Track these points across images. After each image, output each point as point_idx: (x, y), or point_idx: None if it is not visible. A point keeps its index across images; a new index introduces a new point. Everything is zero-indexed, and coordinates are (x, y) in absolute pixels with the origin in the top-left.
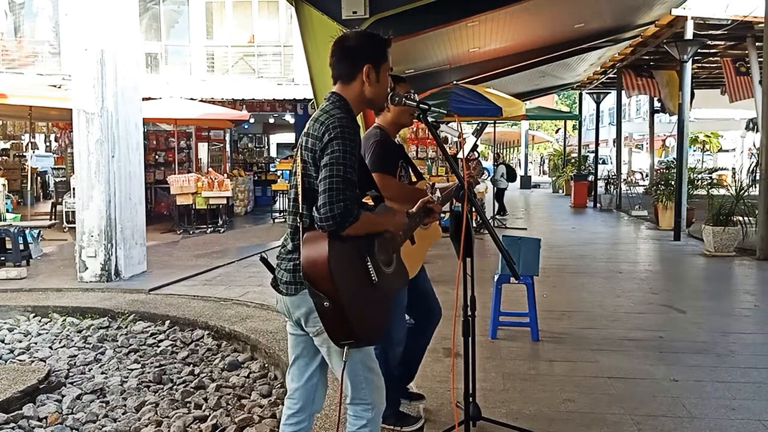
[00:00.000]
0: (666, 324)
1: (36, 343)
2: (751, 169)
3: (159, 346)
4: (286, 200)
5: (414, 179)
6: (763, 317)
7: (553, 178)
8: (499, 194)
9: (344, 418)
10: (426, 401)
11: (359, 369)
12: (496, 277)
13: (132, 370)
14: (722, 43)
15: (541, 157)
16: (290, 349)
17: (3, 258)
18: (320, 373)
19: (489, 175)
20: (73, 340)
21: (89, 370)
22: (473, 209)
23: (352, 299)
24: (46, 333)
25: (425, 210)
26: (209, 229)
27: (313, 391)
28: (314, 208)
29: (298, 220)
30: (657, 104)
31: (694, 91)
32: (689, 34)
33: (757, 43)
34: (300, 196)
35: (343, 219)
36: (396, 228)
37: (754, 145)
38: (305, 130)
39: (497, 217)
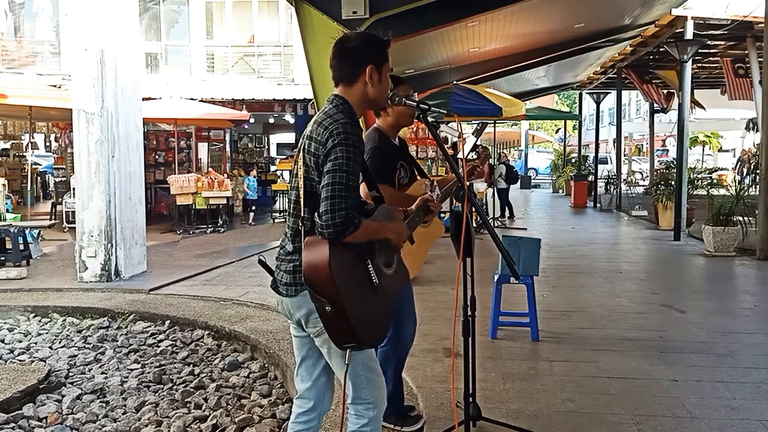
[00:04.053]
0: (666, 324)
1: (36, 343)
2: (749, 168)
3: (159, 346)
4: (287, 200)
5: (418, 177)
6: (763, 317)
7: (553, 178)
8: (500, 195)
9: (345, 418)
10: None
11: (360, 369)
12: (496, 277)
13: (132, 370)
14: (722, 43)
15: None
16: (296, 351)
17: (3, 258)
18: (327, 372)
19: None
20: (73, 340)
21: (89, 370)
22: (473, 209)
23: (354, 302)
24: (46, 333)
25: (425, 208)
26: (209, 229)
27: (324, 390)
28: (316, 213)
29: (300, 223)
30: (657, 104)
31: (694, 91)
32: (689, 34)
33: (757, 43)
34: (302, 200)
35: (344, 227)
36: (397, 237)
37: (754, 145)
38: (308, 132)
39: (499, 218)
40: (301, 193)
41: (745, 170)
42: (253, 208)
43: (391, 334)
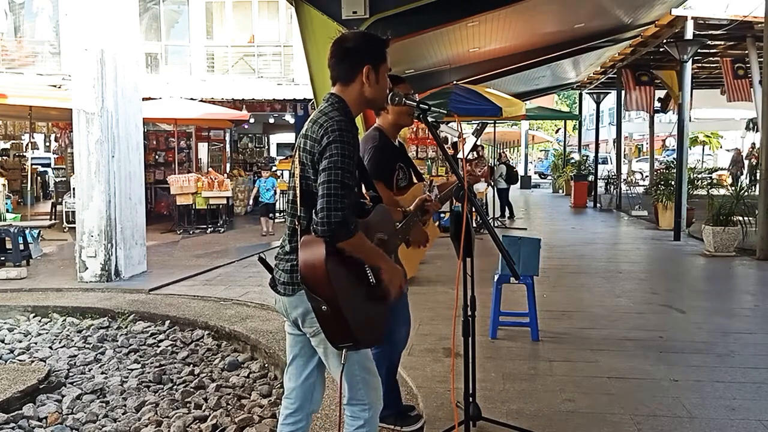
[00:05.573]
0: (666, 324)
1: (36, 343)
2: (740, 168)
3: (159, 346)
4: (286, 200)
5: (415, 181)
6: (763, 317)
7: (554, 178)
8: (500, 195)
9: (342, 419)
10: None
11: (356, 370)
12: (496, 277)
13: (132, 370)
14: (722, 43)
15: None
16: (288, 349)
17: (3, 258)
18: (318, 372)
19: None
20: (73, 340)
21: (89, 370)
22: (473, 209)
23: (351, 303)
24: (46, 333)
25: (422, 210)
26: (209, 229)
27: (311, 390)
28: (313, 211)
29: (296, 223)
30: (657, 104)
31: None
32: (689, 34)
33: (757, 43)
34: (298, 198)
35: (338, 228)
36: (390, 277)
37: (754, 146)
38: (303, 131)
39: (499, 218)
40: (298, 192)
41: (737, 171)
42: (273, 215)
43: None
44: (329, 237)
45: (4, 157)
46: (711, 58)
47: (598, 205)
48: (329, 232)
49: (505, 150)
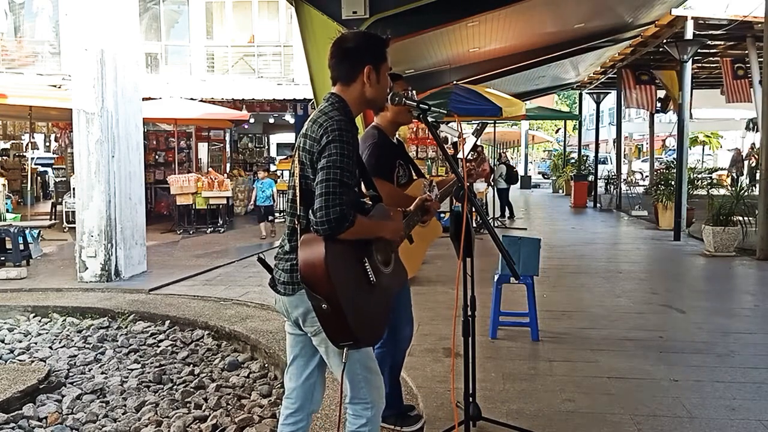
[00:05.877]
0: (666, 324)
1: (36, 343)
2: (739, 169)
3: (159, 346)
4: (286, 200)
5: (415, 177)
6: (763, 317)
7: (554, 178)
8: (500, 195)
9: (344, 418)
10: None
11: (358, 369)
12: (496, 277)
13: (132, 370)
14: (722, 43)
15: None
16: (289, 349)
17: (3, 258)
18: (318, 372)
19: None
20: (73, 340)
21: (89, 370)
22: (473, 209)
23: (351, 301)
24: (46, 333)
25: (423, 208)
26: (209, 229)
27: (311, 390)
28: (310, 210)
29: (296, 222)
30: (657, 104)
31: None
32: (689, 34)
33: (757, 43)
34: (298, 198)
35: (338, 224)
36: (393, 235)
37: (754, 146)
38: (303, 131)
39: (499, 218)
40: (298, 191)
41: (737, 171)
42: (271, 218)
43: (387, 335)
44: (331, 233)
45: (4, 157)
46: (711, 58)
47: (598, 205)
48: (329, 230)
49: (505, 150)
